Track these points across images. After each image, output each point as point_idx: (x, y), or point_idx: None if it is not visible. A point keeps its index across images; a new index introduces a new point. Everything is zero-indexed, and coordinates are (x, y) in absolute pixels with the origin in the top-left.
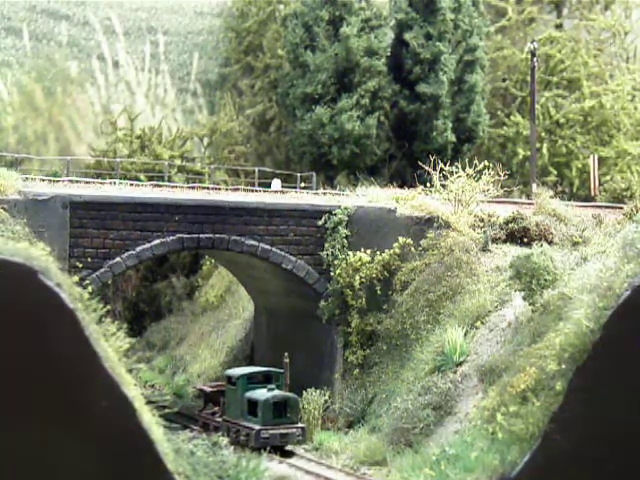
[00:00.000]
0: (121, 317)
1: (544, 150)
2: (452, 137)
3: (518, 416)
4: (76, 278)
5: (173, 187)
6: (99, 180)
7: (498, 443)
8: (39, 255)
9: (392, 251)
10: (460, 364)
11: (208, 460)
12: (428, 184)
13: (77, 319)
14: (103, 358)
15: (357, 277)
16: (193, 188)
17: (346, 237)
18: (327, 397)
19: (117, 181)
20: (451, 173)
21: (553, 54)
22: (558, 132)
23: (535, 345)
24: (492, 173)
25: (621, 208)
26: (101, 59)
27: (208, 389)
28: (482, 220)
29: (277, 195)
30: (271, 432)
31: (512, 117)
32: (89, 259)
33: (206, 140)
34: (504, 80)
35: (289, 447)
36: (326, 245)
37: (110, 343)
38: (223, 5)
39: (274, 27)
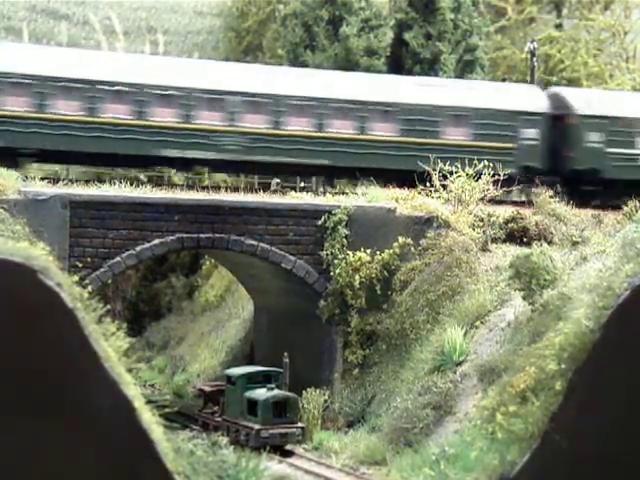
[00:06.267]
0: (121, 317)
1: None
2: None
3: (518, 416)
4: (76, 278)
5: (173, 187)
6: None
7: (498, 443)
8: (39, 255)
9: (392, 251)
10: (460, 364)
11: (208, 460)
12: (428, 184)
13: (77, 318)
14: (103, 358)
15: (357, 277)
16: (193, 188)
17: (346, 237)
18: (327, 397)
19: (117, 181)
20: (451, 173)
21: (553, 54)
22: None
23: (535, 345)
24: (491, 173)
25: (620, 208)
26: None
27: (208, 389)
28: (482, 220)
29: (277, 195)
30: (271, 432)
31: None
32: (89, 259)
33: None
34: (504, 80)
35: (289, 447)
36: (326, 245)
37: (110, 343)
38: (223, 5)
39: (274, 27)
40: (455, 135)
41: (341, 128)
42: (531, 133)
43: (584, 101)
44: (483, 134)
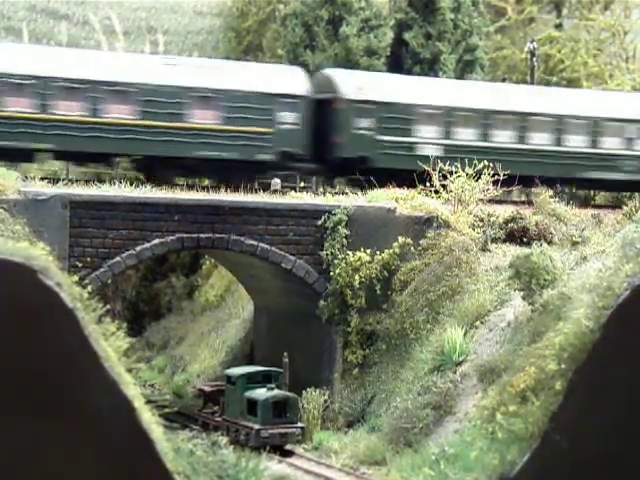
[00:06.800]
0: (121, 317)
1: None
2: None
3: (518, 416)
4: (76, 278)
5: (173, 187)
6: (98, 180)
7: (497, 443)
8: (39, 255)
9: (392, 251)
10: (460, 364)
11: (208, 459)
12: (428, 184)
13: (77, 318)
14: (103, 358)
15: (357, 277)
16: (193, 188)
17: (346, 237)
18: (326, 397)
19: (117, 181)
20: (450, 173)
21: (553, 54)
22: None
23: (535, 345)
24: (491, 173)
25: (620, 208)
26: None
27: (208, 389)
28: (482, 220)
29: (277, 195)
30: (270, 431)
31: None
32: (89, 259)
33: None
34: (504, 80)
35: (288, 446)
36: (326, 245)
37: (110, 342)
38: (223, 5)
39: (274, 27)
40: (204, 118)
41: (69, 110)
42: (290, 117)
43: (354, 85)
44: (236, 117)
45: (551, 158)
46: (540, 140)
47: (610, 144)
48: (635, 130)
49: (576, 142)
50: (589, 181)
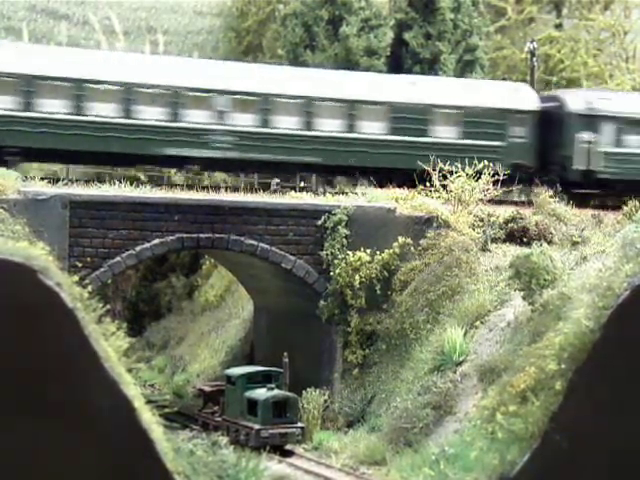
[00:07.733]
0: (121, 317)
1: None
2: None
3: (518, 416)
4: (76, 277)
5: (173, 187)
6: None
7: (498, 443)
8: (39, 255)
9: (392, 251)
10: (460, 364)
11: (208, 459)
12: (428, 184)
13: (77, 318)
14: (103, 357)
15: (357, 277)
16: (193, 188)
17: (346, 237)
18: (326, 397)
19: (117, 181)
20: (451, 173)
21: (553, 54)
22: None
23: (535, 345)
24: (491, 172)
25: (620, 208)
26: None
27: (208, 389)
28: (482, 220)
29: (277, 195)
30: (270, 431)
31: None
32: (89, 259)
33: None
34: (504, 80)
35: (288, 446)
36: (326, 245)
37: (110, 342)
38: (223, 5)
39: (274, 27)
40: None
41: None
42: None
43: None
44: None
45: (119, 132)
46: (103, 111)
47: (195, 117)
48: (227, 102)
49: (150, 114)
50: (169, 158)
